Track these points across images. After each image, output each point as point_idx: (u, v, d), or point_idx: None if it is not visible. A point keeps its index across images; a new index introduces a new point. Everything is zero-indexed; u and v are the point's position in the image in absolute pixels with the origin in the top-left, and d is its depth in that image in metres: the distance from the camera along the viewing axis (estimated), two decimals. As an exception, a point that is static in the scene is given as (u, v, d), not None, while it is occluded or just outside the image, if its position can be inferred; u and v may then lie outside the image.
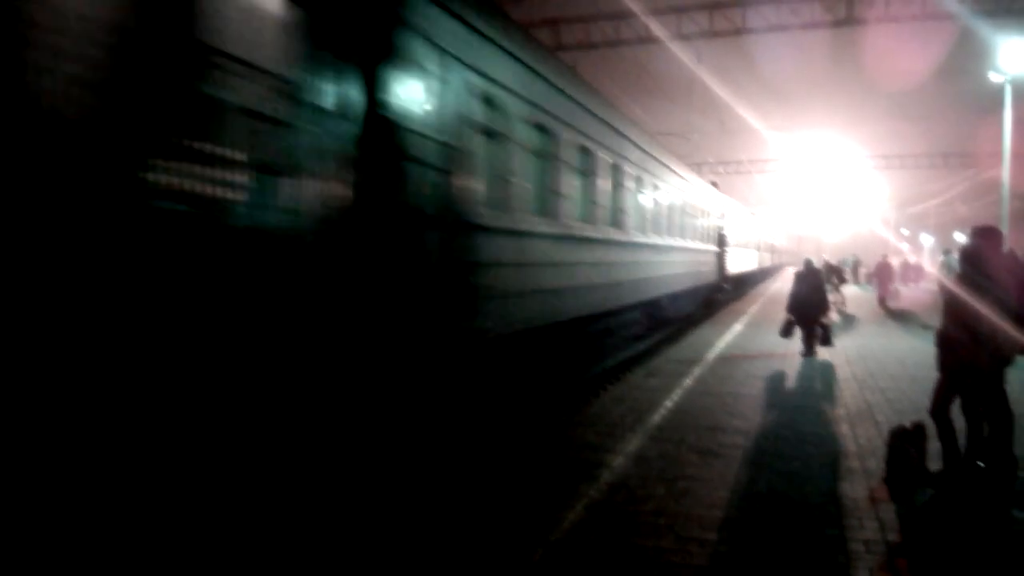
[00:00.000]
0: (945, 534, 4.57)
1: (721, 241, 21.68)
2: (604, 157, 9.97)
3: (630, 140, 11.44)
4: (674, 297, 15.80)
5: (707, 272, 19.38)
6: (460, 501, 5.15)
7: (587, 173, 9.34)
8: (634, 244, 11.49)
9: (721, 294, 23.14)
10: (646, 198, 12.42)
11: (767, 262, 45.66)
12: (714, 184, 23.01)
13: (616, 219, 10.60)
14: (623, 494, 5.27)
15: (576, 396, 9.12)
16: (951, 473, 5.42)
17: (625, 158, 11.05)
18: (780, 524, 4.70)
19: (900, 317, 20.03)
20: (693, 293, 18.14)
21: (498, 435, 6.95)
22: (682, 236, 15.51)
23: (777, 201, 72.70)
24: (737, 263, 26.06)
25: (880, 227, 66.15)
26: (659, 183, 13.30)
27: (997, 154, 24.23)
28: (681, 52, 23.72)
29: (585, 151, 9.20)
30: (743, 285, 30.61)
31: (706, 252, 18.96)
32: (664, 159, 14.02)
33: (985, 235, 5.66)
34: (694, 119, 34.58)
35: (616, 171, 10.59)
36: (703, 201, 18.52)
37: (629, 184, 11.26)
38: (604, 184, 10.06)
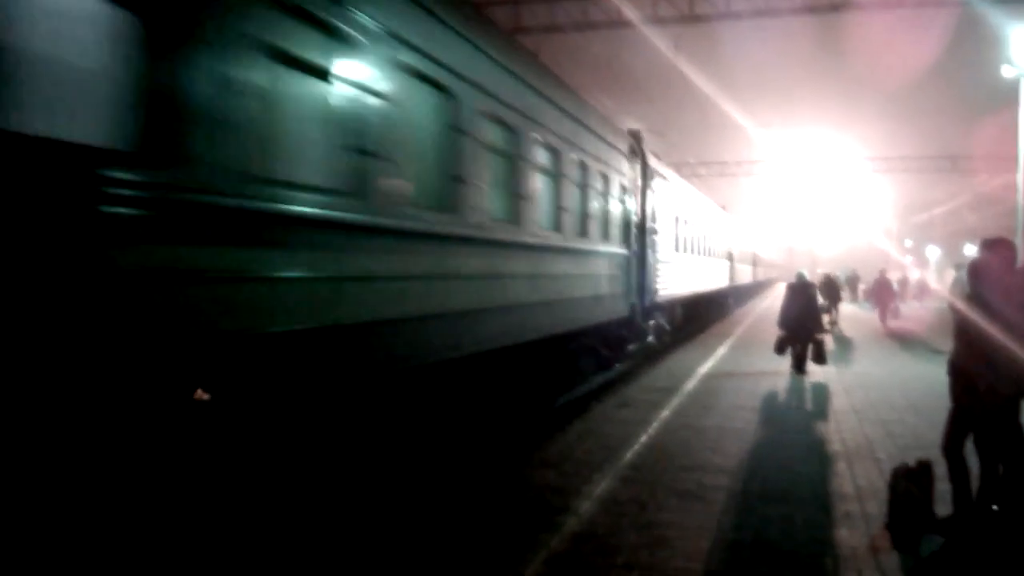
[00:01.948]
0: (955, 588, 4.62)
1: (644, 240, 14.32)
2: None
3: None
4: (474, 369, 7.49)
5: (599, 301, 11.52)
6: (397, 557, 5.07)
7: None
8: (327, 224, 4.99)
9: (643, 342, 14.99)
10: (395, 114, 5.77)
11: (746, 277, 38.57)
12: (635, 135, 14.62)
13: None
14: (590, 544, 5.23)
15: (535, 430, 9.07)
16: (961, 518, 5.48)
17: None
18: (769, 578, 4.71)
19: (904, 340, 20.48)
20: (553, 354, 10.06)
21: (442, 477, 6.87)
22: (511, 220, 8.11)
23: (765, 208, 74.13)
24: (685, 279, 18.68)
25: (880, 238, 67.84)
26: (443, 80, 6.49)
27: (1010, 157, 24.82)
28: (656, 38, 23.92)
29: None
30: (705, 313, 24.42)
31: (598, 257, 11.43)
32: (467, 30, 6.97)
33: (995, 248, 5.69)
34: (671, 114, 34.94)
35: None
36: (595, 151, 11.27)
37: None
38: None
